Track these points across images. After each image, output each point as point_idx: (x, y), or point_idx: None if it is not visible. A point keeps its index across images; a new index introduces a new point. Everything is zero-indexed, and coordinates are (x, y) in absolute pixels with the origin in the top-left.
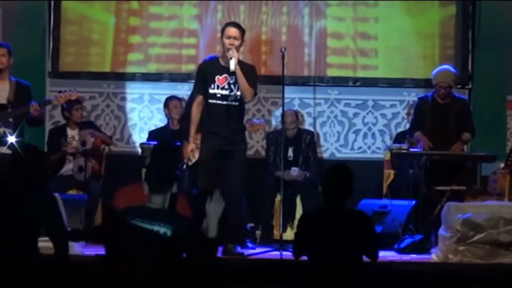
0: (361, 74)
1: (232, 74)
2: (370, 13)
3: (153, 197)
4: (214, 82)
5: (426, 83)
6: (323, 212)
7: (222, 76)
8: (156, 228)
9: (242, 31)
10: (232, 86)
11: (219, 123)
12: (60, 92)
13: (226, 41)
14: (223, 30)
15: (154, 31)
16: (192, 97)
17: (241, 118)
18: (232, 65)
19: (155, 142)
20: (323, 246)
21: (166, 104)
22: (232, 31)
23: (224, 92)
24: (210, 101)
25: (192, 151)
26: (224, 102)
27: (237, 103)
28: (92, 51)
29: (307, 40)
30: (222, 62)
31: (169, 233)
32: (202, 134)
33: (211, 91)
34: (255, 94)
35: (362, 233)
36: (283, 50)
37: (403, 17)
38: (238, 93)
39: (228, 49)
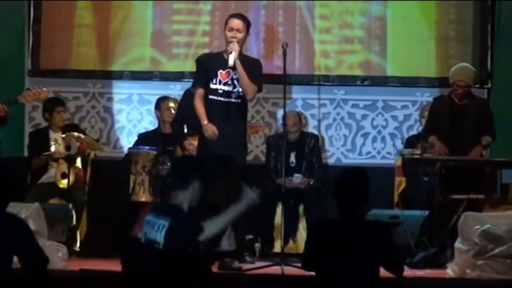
0: (370, 72)
1: (234, 69)
2: (382, 9)
3: (173, 194)
4: (216, 76)
5: (441, 82)
6: (337, 222)
7: (226, 70)
8: (160, 221)
9: (247, 23)
10: (235, 82)
11: (218, 122)
12: (28, 90)
13: (228, 33)
14: (226, 22)
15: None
16: (185, 96)
17: (243, 118)
18: (231, 59)
19: (144, 147)
20: (335, 260)
21: (158, 105)
22: (235, 23)
23: (227, 88)
24: (210, 97)
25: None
26: (226, 99)
27: (239, 101)
28: (76, 47)
29: (311, 35)
30: (226, 55)
31: (166, 224)
32: (200, 135)
33: (212, 86)
34: (259, 90)
35: (381, 246)
36: (284, 46)
37: (416, 13)
38: (241, 89)
39: (230, 42)
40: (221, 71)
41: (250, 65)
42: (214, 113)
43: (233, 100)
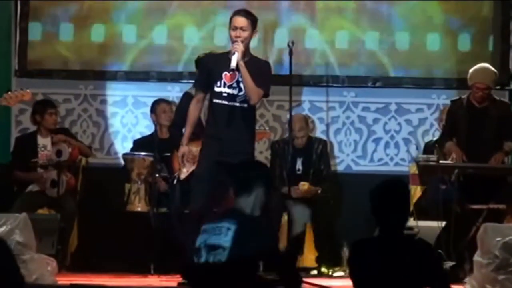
0: (382, 72)
1: (239, 71)
2: (397, 5)
3: (236, 199)
4: (220, 78)
5: (459, 83)
6: (377, 241)
7: (231, 72)
8: (223, 224)
9: (252, 20)
10: (241, 85)
11: (223, 128)
12: (9, 92)
13: (232, 33)
14: (230, 20)
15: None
16: (184, 98)
17: (249, 124)
18: (234, 61)
19: (140, 153)
20: (377, 283)
21: (153, 108)
22: (239, 20)
23: (232, 91)
24: (214, 100)
25: (183, 156)
26: (231, 103)
27: (246, 105)
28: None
29: (318, 33)
30: (230, 56)
31: (232, 227)
32: (202, 140)
33: (216, 89)
34: (266, 95)
35: (426, 267)
36: (290, 44)
37: (434, 10)
38: None
39: (234, 42)
40: (226, 73)
41: (257, 67)
42: (218, 118)
43: (238, 104)
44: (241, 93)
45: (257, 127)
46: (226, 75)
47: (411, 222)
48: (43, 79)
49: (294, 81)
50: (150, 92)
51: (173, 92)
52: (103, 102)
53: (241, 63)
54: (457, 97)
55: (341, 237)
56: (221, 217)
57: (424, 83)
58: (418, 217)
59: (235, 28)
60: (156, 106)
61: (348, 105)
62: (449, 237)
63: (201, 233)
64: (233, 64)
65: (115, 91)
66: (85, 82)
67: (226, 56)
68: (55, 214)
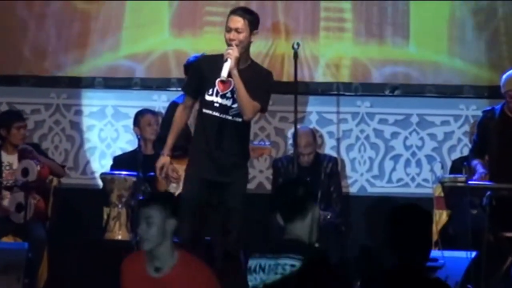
0: (402, 79)
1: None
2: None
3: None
4: (213, 86)
5: (491, 91)
6: (391, 275)
7: (226, 80)
8: (283, 261)
9: (250, 20)
10: (236, 96)
11: (212, 143)
12: None
13: (226, 35)
14: (226, 20)
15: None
16: (171, 108)
17: (242, 139)
18: (225, 70)
19: (121, 172)
20: None
21: (137, 121)
22: (234, 20)
23: (225, 101)
24: (204, 110)
25: (162, 168)
26: (222, 115)
27: (239, 120)
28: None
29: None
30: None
31: (297, 264)
32: (189, 157)
33: (208, 97)
34: (262, 111)
35: None
36: (295, 46)
37: (462, 11)
38: None
39: (228, 46)
40: (220, 79)
41: (256, 75)
42: (208, 131)
43: (230, 117)
44: (235, 105)
45: (256, 142)
46: (219, 82)
47: (436, 252)
48: (7, 87)
49: (300, 89)
50: (133, 101)
51: (159, 101)
52: (78, 113)
53: (235, 72)
54: (489, 108)
55: (354, 270)
56: (277, 249)
57: (451, 91)
58: (444, 247)
59: (230, 30)
60: (140, 117)
61: (363, 117)
62: (480, 269)
63: (252, 272)
64: (223, 73)
65: (92, 101)
66: (57, 89)
67: (221, 60)
68: (22, 243)
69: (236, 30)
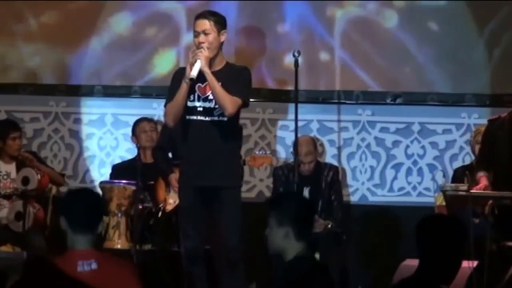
0: (403, 87)
1: (217, 80)
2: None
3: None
4: (193, 91)
5: (494, 99)
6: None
7: (205, 83)
8: None
9: (216, 20)
10: None
11: (199, 148)
12: None
13: (195, 39)
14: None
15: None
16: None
17: (232, 139)
18: (195, 70)
19: (120, 181)
20: None
21: (133, 130)
22: (199, 24)
23: (208, 104)
24: (188, 117)
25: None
26: (208, 118)
27: (224, 119)
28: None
29: (329, 41)
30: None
31: None
32: (180, 166)
33: (189, 103)
34: (245, 104)
35: None
36: (296, 54)
37: (463, 13)
38: None
39: (197, 49)
40: (199, 84)
41: (233, 74)
42: (194, 137)
43: (216, 118)
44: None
45: (257, 151)
46: (199, 87)
47: None
48: (6, 94)
49: (301, 97)
50: (132, 109)
51: (159, 109)
52: (77, 121)
53: (206, 70)
54: (494, 116)
55: (356, 280)
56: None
57: (453, 100)
58: None
59: (197, 34)
60: (136, 126)
61: (364, 125)
62: (482, 279)
63: None
64: (193, 73)
65: (91, 109)
66: (56, 98)
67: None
68: (21, 252)
69: (204, 32)
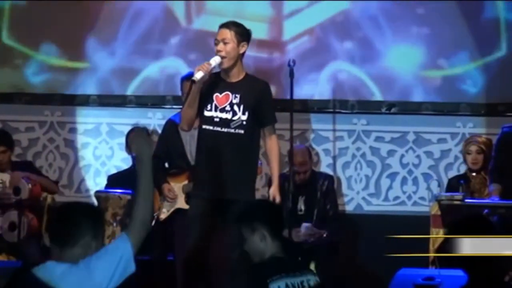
0: (398, 96)
1: (234, 91)
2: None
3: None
4: (211, 101)
5: (489, 109)
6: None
7: (223, 94)
8: (301, 278)
9: (237, 31)
10: (236, 108)
11: (214, 158)
12: None
13: (215, 48)
14: None
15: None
16: (167, 126)
17: (249, 153)
18: (199, 74)
19: (115, 190)
20: None
21: (127, 139)
22: (220, 32)
23: (225, 115)
24: (204, 126)
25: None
26: (225, 130)
27: (242, 131)
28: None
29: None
30: (224, 75)
31: (312, 279)
32: (193, 175)
33: (206, 113)
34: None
35: None
36: (291, 63)
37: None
38: (244, 117)
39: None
40: (217, 94)
41: (252, 86)
42: (210, 147)
43: (233, 130)
44: (236, 118)
45: None
46: (217, 96)
47: (433, 271)
48: (1, 104)
49: (296, 106)
50: (128, 119)
51: (154, 119)
52: (73, 130)
53: (199, 79)
54: (509, 124)
55: None
56: (292, 267)
57: (448, 109)
58: (441, 265)
59: (217, 42)
60: (129, 136)
61: (359, 135)
62: None
63: None
64: (196, 75)
65: (86, 118)
66: (51, 107)
67: (218, 76)
68: (15, 262)
69: (223, 41)
